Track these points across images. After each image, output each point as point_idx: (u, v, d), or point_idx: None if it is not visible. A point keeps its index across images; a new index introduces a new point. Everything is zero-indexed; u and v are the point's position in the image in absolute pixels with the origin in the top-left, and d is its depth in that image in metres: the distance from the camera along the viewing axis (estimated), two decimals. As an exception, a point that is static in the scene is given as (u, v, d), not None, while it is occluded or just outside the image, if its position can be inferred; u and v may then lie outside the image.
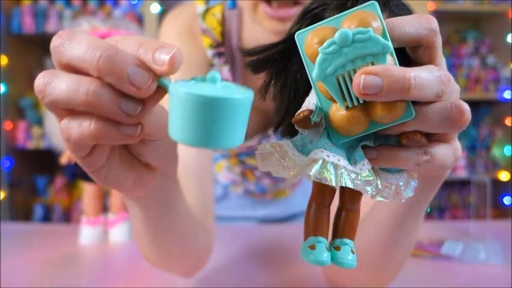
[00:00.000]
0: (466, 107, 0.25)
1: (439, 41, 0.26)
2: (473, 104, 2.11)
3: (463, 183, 2.07)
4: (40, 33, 1.83)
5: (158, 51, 0.23)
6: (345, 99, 0.25)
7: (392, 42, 0.25)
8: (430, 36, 0.26)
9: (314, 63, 0.24)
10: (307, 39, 0.25)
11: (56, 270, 0.63)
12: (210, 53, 0.63)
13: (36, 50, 1.98)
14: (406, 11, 0.29)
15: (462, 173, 1.98)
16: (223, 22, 0.63)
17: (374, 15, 0.24)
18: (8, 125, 1.83)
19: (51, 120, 0.84)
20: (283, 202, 0.88)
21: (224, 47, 0.62)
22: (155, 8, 1.76)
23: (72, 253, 0.71)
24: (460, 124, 0.25)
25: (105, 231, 0.79)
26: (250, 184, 0.81)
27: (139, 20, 1.80)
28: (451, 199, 2.12)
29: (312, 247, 0.26)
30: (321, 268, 0.55)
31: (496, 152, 2.04)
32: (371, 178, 0.26)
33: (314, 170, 0.25)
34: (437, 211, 2.09)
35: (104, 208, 0.82)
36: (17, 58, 1.86)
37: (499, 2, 1.95)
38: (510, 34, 1.93)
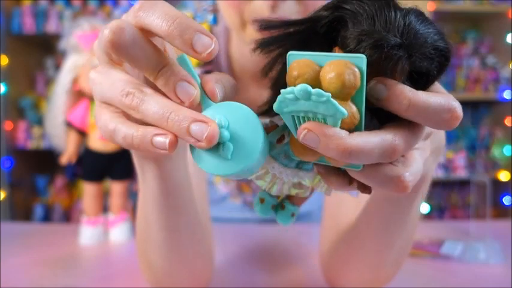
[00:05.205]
0: (410, 184, 0.24)
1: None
2: (473, 104, 2.11)
3: (463, 183, 2.07)
4: (40, 33, 1.83)
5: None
6: None
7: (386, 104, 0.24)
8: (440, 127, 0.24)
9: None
10: (291, 66, 0.25)
11: (56, 270, 0.63)
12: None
13: (36, 50, 1.98)
14: (437, 65, 0.25)
15: (462, 173, 1.98)
16: None
17: (355, 73, 0.23)
18: (8, 125, 1.84)
19: (51, 120, 0.84)
20: None
21: (212, 65, 0.61)
22: (155, 8, 1.76)
23: (72, 253, 0.71)
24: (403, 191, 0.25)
25: (105, 231, 0.79)
26: (247, 196, 0.81)
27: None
28: (450, 199, 2.12)
29: (262, 200, 0.34)
30: (320, 268, 0.56)
31: (495, 152, 2.04)
32: (307, 186, 0.31)
33: (257, 174, 0.31)
34: (437, 211, 2.09)
35: (104, 208, 0.82)
36: (17, 58, 1.86)
37: (499, 2, 1.95)
38: (510, 34, 1.93)
